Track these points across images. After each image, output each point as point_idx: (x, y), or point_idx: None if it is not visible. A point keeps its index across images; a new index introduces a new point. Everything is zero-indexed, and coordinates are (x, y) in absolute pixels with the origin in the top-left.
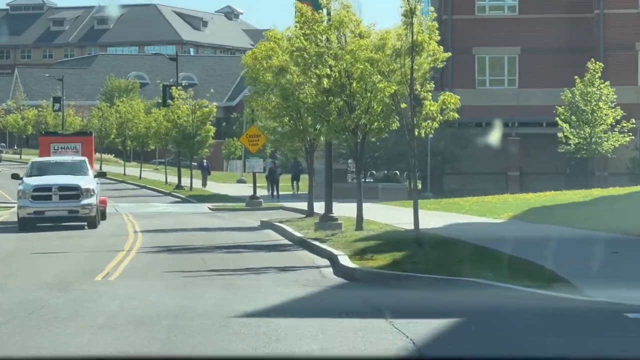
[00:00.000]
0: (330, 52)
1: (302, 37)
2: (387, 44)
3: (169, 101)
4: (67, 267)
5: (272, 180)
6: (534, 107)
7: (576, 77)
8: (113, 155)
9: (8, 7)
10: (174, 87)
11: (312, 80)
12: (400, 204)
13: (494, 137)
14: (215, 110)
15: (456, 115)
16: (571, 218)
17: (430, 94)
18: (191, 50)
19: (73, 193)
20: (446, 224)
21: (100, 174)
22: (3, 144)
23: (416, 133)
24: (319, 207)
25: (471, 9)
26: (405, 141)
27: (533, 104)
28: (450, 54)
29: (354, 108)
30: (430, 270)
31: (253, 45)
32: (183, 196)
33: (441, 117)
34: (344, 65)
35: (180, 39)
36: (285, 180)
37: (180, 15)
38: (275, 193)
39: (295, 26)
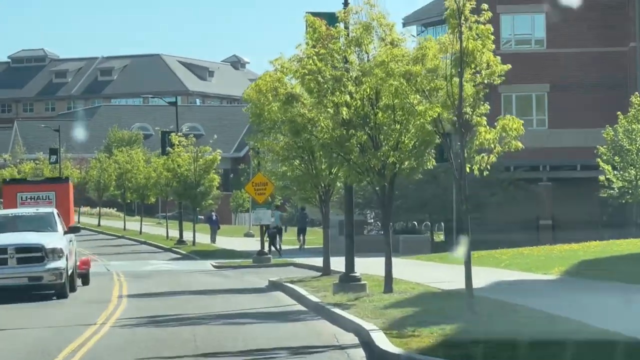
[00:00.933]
0: (350, 74)
1: (315, 58)
2: (428, 54)
3: (169, 149)
4: (8, 351)
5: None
6: (566, 149)
7: (619, 112)
8: (115, 209)
9: (9, 60)
10: (173, 134)
11: (329, 110)
12: (425, 258)
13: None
14: (220, 157)
15: (519, 144)
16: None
17: (484, 118)
18: (197, 100)
19: (35, 255)
20: (490, 282)
21: (73, 229)
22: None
23: (467, 169)
24: (335, 264)
25: (496, 44)
26: (428, 187)
27: (565, 145)
28: (509, 66)
29: (380, 143)
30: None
31: None
32: (184, 252)
33: (500, 148)
34: (369, 88)
35: (185, 89)
36: (289, 234)
37: (186, 65)
38: (276, 248)
39: (307, 44)
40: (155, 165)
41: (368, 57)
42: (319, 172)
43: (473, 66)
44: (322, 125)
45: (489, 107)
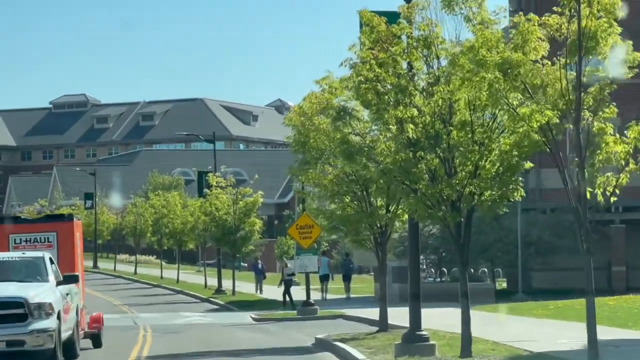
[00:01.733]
0: (417, 82)
1: (373, 62)
2: (531, 39)
3: (206, 191)
4: None
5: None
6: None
7: None
8: (154, 256)
9: (51, 106)
10: (211, 174)
11: (390, 127)
12: (491, 308)
13: None
14: (261, 200)
15: None
16: None
17: (610, 125)
18: (240, 145)
19: (16, 312)
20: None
21: (69, 279)
22: None
23: (588, 195)
24: (392, 317)
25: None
26: (489, 229)
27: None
28: None
29: (455, 169)
30: None
31: None
32: (222, 302)
33: (634, 166)
34: (441, 99)
35: (229, 134)
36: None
37: (229, 109)
38: (290, 299)
39: (362, 46)
40: (192, 208)
41: (439, 62)
42: (374, 210)
43: (594, 53)
44: (383, 147)
45: (616, 110)
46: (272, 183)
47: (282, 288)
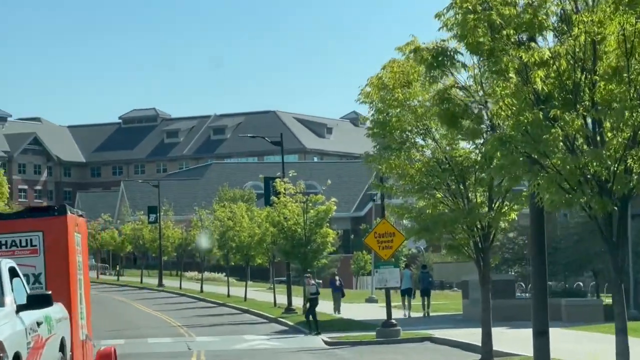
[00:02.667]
0: (548, 9)
1: None
2: None
3: (273, 198)
4: None
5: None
6: None
7: None
8: (224, 274)
9: (120, 121)
10: (278, 180)
11: (510, 77)
12: (606, 329)
13: None
14: (335, 207)
15: None
16: None
17: None
18: (314, 158)
19: None
20: None
21: (37, 300)
22: (106, 265)
23: None
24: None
25: None
26: (594, 238)
27: None
28: None
29: (604, 136)
30: None
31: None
32: (292, 323)
33: None
34: (586, 34)
35: (302, 147)
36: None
37: (302, 121)
38: (313, 319)
39: None
40: (259, 219)
41: None
42: (474, 207)
43: None
44: (503, 103)
45: None
46: (348, 196)
47: (309, 306)
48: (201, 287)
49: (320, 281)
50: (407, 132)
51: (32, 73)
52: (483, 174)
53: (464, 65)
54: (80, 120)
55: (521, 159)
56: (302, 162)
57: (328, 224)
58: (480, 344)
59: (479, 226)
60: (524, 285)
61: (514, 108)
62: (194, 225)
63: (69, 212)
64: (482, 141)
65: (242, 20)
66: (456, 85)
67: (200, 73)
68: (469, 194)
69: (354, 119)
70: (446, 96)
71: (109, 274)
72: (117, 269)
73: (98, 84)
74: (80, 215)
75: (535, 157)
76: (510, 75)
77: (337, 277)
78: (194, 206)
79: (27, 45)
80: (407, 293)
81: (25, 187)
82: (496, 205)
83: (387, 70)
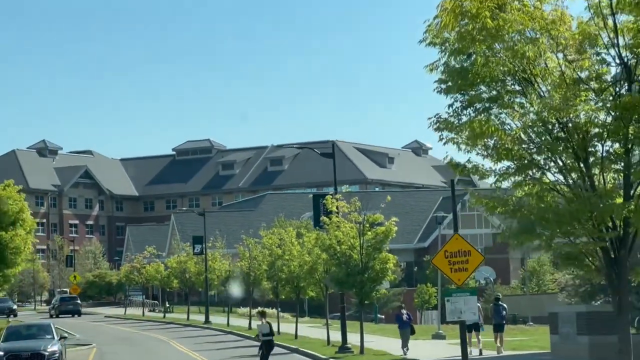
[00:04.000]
0: None
1: None
2: None
3: (323, 218)
4: None
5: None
6: None
7: None
8: (280, 309)
9: (174, 153)
10: (329, 197)
11: None
12: None
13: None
14: (395, 228)
15: None
16: None
17: None
18: (376, 189)
19: None
20: None
21: None
22: (156, 302)
23: None
24: None
25: None
26: None
27: None
28: None
29: None
30: None
31: (445, 183)
32: None
33: None
34: None
35: (363, 177)
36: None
37: (363, 151)
38: None
39: None
40: (309, 245)
41: None
42: (602, 196)
43: None
44: None
45: None
46: (411, 227)
47: (261, 353)
48: (249, 324)
49: (383, 316)
50: (500, 82)
51: (84, 105)
52: (616, 144)
53: None
54: (133, 153)
55: None
56: (363, 192)
57: (387, 250)
58: None
59: (610, 224)
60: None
61: None
62: (241, 256)
63: None
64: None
65: (295, 49)
66: None
67: (255, 103)
68: (595, 176)
69: (416, 149)
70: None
71: (158, 310)
72: (166, 305)
73: (151, 116)
74: None
75: None
76: None
77: (404, 311)
78: (251, 237)
79: (79, 77)
80: (474, 328)
81: (77, 221)
82: (638, 192)
83: None
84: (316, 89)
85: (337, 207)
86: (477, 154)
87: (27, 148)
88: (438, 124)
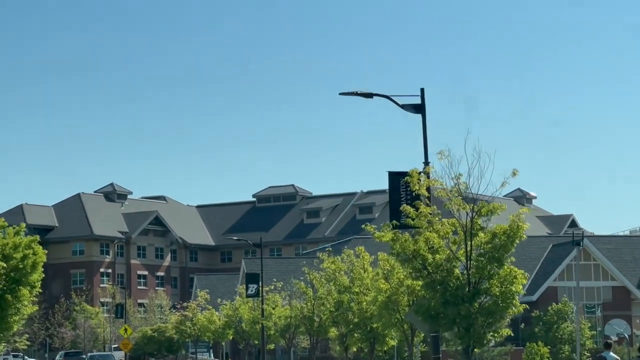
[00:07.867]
0: None
1: None
2: None
3: (405, 207)
4: None
5: None
6: None
7: None
8: None
9: (255, 199)
10: (414, 171)
11: None
12: None
13: None
14: (527, 225)
15: None
16: None
17: None
18: None
19: None
20: None
21: None
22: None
23: None
24: None
25: None
26: None
27: None
28: None
29: None
30: None
31: (550, 233)
32: None
33: None
34: None
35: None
36: None
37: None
38: None
39: None
40: (383, 265)
41: None
42: None
43: None
44: None
45: None
46: None
47: None
48: None
49: None
50: None
51: (158, 151)
52: None
53: None
54: (211, 200)
55: None
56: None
57: (512, 260)
58: None
59: None
60: None
61: None
62: (303, 295)
63: None
64: None
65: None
66: None
67: (342, 148)
68: None
69: (519, 197)
70: None
71: None
72: None
73: (231, 161)
74: None
75: None
76: None
77: None
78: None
79: (156, 123)
80: None
81: (145, 272)
82: None
83: None
84: (405, 132)
85: (428, 189)
86: None
87: (94, 192)
88: None
